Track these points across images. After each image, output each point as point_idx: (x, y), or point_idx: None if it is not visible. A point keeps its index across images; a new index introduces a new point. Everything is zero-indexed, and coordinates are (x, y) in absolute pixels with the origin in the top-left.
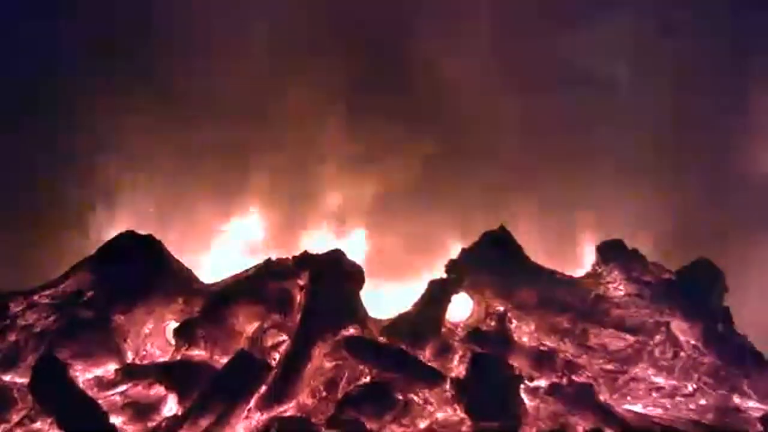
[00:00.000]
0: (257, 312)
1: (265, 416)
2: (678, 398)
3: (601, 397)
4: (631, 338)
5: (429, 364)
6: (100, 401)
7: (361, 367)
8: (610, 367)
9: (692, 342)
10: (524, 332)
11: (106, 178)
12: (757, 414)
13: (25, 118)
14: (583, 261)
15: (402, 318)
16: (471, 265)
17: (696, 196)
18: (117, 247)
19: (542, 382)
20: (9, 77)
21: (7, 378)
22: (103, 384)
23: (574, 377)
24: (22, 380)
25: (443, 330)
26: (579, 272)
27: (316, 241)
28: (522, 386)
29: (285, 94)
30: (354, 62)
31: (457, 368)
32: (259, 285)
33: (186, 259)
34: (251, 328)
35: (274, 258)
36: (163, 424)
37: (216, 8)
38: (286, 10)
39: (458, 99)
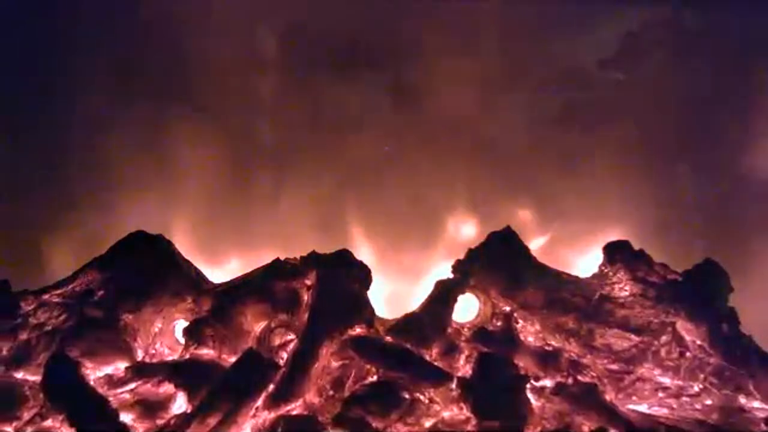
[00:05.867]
0: (265, 311)
1: (272, 415)
2: (683, 398)
3: (607, 397)
4: (636, 338)
5: (435, 363)
6: (110, 399)
7: (368, 366)
8: (615, 367)
9: (698, 342)
10: (530, 332)
11: (114, 177)
12: (762, 414)
13: (34, 114)
14: (585, 262)
15: (408, 318)
16: (477, 265)
17: (698, 195)
18: (126, 247)
19: (547, 382)
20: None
21: (19, 376)
22: (113, 382)
23: (579, 377)
24: (34, 378)
25: (449, 330)
26: (580, 273)
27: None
28: (528, 386)
29: None
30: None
31: (464, 368)
32: (267, 284)
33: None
34: (259, 327)
35: (282, 258)
36: (172, 421)
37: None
38: None
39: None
